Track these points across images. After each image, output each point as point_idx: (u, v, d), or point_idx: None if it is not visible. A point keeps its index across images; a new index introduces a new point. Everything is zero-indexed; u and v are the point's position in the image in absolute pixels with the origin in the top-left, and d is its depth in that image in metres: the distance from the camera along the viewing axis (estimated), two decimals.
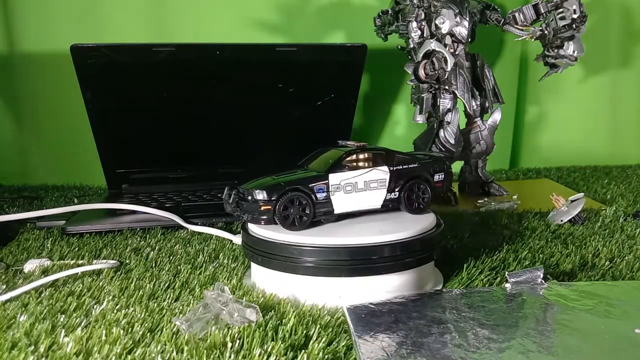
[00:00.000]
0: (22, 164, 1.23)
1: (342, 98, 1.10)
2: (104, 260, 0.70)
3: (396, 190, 0.64)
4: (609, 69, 1.35)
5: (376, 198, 0.63)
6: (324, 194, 0.60)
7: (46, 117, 1.20)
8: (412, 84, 0.99)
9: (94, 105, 0.98)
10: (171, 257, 0.72)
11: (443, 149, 1.00)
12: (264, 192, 0.59)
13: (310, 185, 0.60)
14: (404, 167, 0.65)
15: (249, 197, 0.60)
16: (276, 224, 0.59)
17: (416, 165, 0.66)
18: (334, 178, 0.61)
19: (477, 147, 1.04)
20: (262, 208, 0.59)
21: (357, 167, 0.63)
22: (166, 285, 0.62)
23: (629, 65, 1.36)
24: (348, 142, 0.67)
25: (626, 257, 0.69)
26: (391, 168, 0.64)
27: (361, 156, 0.63)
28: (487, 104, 1.02)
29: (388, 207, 0.64)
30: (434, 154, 0.72)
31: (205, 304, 0.52)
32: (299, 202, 0.59)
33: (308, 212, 0.60)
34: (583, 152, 1.37)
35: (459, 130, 1.01)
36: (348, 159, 0.63)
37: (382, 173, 0.63)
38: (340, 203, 0.61)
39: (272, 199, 0.59)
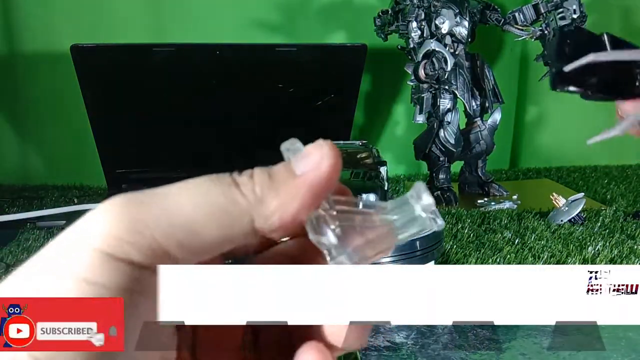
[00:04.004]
0: (22, 164, 1.23)
1: (342, 98, 1.10)
2: None
3: None
4: None
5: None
6: None
7: (46, 117, 1.20)
8: (412, 84, 0.99)
9: (94, 105, 0.98)
10: None
11: (443, 149, 1.00)
12: (374, 195, 0.57)
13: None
14: (381, 159, 0.67)
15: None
16: None
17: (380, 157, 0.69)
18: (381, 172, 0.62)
19: (477, 147, 1.04)
20: None
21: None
22: None
23: None
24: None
25: (626, 257, 0.69)
26: (380, 160, 0.66)
27: (373, 151, 0.64)
28: (487, 104, 1.02)
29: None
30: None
31: None
32: None
33: None
34: (583, 152, 1.37)
35: (459, 130, 1.01)
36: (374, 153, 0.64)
37: (384, 166, 0.65)
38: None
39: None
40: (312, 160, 0.19)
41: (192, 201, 0.19)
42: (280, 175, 0.19)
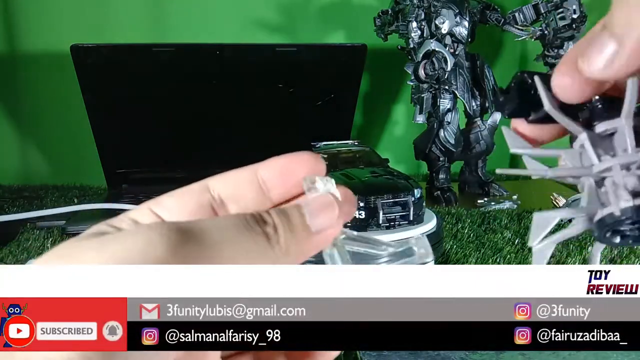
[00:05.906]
0: (22, 164, 1.23)
1: (342, 98, 1.10)
2: None
3: None
4: None
5: None
6: None
7: (46, 117, 1.20)
8: (412, 84, 0.99)
9: (93, 105, 0.98)
10: None
11: (443, 149, 1.00)
12: (420, 189, 0.61)
13: None
14: None
15: (412, 199, 0.60)
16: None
17: None
18: None
19: (477, 147, 1.04)
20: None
21: None
22: None
23: None
24: (328, 142, 0.68)
25: (626, 257, 0.69)
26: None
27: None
28: (487, 104, 1.02)
29: None
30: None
31: None
32: None
33: None
34: None
35: (459, 130, 1.01)
36: None
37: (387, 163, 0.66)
38: None
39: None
40: (327, 221, 0.23)
41: (231, 249, 0.21)
42: (300, 231, 0.23)
